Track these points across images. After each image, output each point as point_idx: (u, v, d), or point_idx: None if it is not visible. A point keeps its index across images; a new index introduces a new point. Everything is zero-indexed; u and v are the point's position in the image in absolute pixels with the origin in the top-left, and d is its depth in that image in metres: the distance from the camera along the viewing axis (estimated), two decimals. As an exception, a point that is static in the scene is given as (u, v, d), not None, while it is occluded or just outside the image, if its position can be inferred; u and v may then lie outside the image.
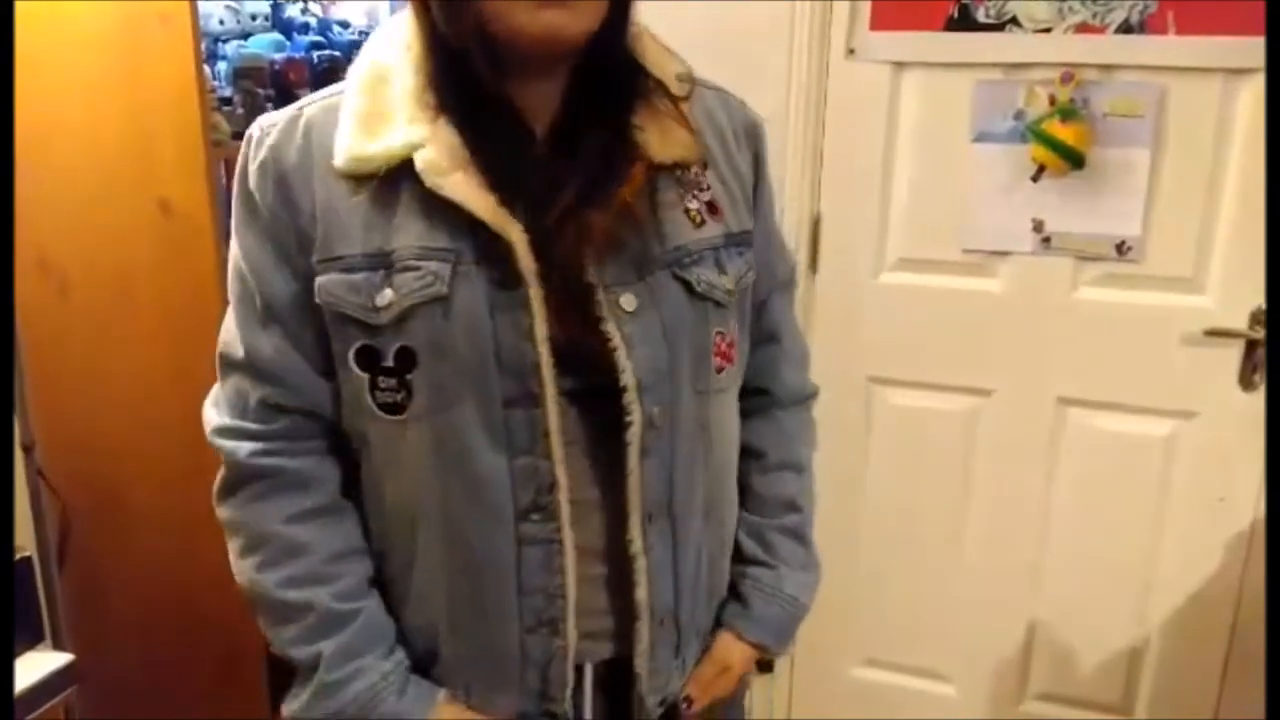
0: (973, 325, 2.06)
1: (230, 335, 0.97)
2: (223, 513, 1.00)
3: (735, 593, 1.11)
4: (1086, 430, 2.05)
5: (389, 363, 0.90)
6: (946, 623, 2.21)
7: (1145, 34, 1.83)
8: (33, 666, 1.48)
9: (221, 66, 1.80)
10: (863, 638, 2.23)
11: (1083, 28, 1.86)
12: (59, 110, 1.59)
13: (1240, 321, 1.90)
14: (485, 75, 0.87)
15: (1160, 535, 2.04)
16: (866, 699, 2.30)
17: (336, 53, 1.95)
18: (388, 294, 0.88)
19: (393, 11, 2.27)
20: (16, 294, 1.55)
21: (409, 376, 0.90)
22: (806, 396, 1.18)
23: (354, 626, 0.96)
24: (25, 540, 1.64)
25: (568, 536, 0.93)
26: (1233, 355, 1.92)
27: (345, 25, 2.14)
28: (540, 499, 0.92)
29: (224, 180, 1.86)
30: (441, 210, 0.88)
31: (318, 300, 0.91)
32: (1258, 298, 1.88)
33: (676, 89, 0.96)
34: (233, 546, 1.00)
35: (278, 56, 1.83)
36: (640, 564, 0.96)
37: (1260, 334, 1.88)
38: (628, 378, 0.90)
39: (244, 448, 0.96)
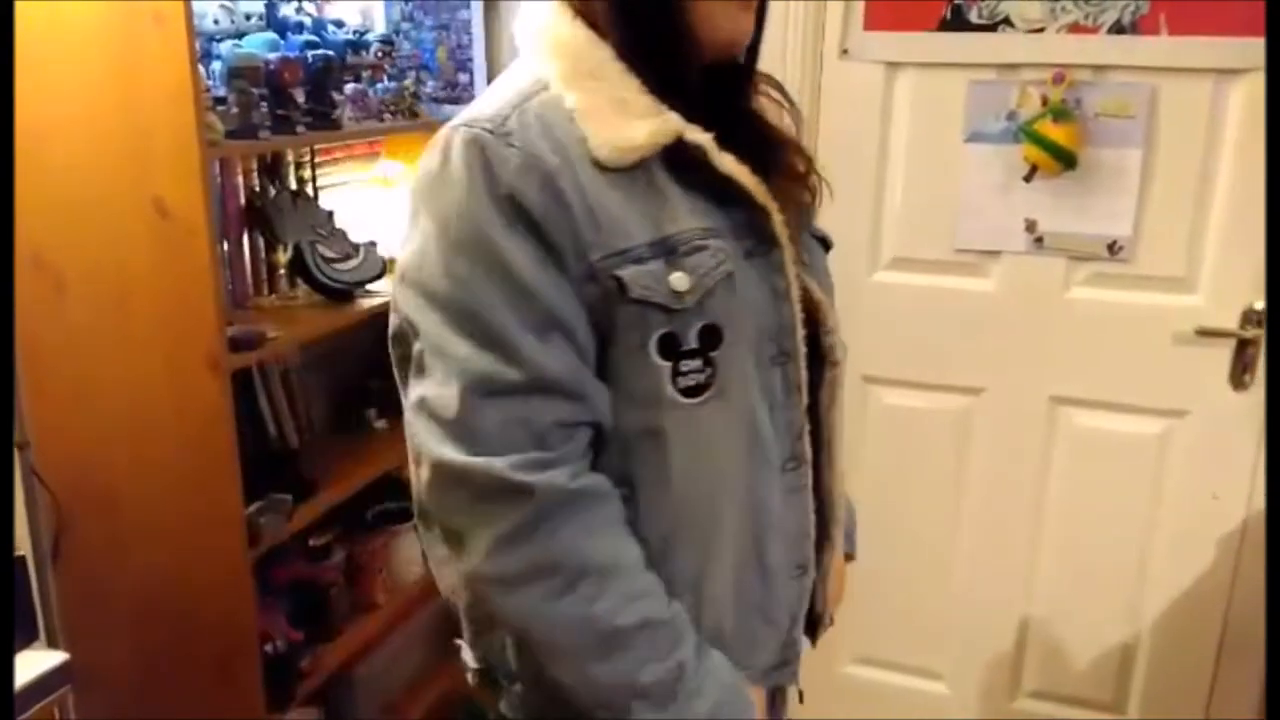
0: (966, 325, 2.07)
1: (493, 357, 0.86)
2: (523, 558, 0.88)
3: None
4: (1079, 429, 2.06)
5: (692, 345, 0.91)
6: (940, 621, 2.22)
7: (1137, 34, 1.84)
8: (27, 665, 1.48)
9: (216, 66, 1.79)
10: (856, 636, 2.24)
11: (1075, 28, 1.87)
12: (53, 109, 1.59)
13: (1231, 321, 1.91)
14: (694, 69, 0.94)
15: (1152, 534, 2.05)
16: (860, 697, 2.31)
17: (330, 52, 1.95)
18: (682, 278, 0.89)
19: (387, 11, 2.27)
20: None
21: (713, 354, 0.92)
22: None
23: (688, 628, 0.94)
24: (19, 539, 1.64)
25: (808, 478, 1.02)
26: (1224, 354, 1.93)
27: (340, 25, 2.13)
28: (795, 447, 0.99)
29: (219, 180, 1.86)
30: (699, 189, 0.92)
31: (633, 295, 0.89)
32: (1248, 297, 1.89)
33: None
34: (537, 592, 0.89)
35: (272, 56, 1.83)
36: (838, 491, 1.08)
37: (1251, 333, 1.89)
38: (833, 322, 1.02)
39: (556, 476, 0.87)
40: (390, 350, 0.98)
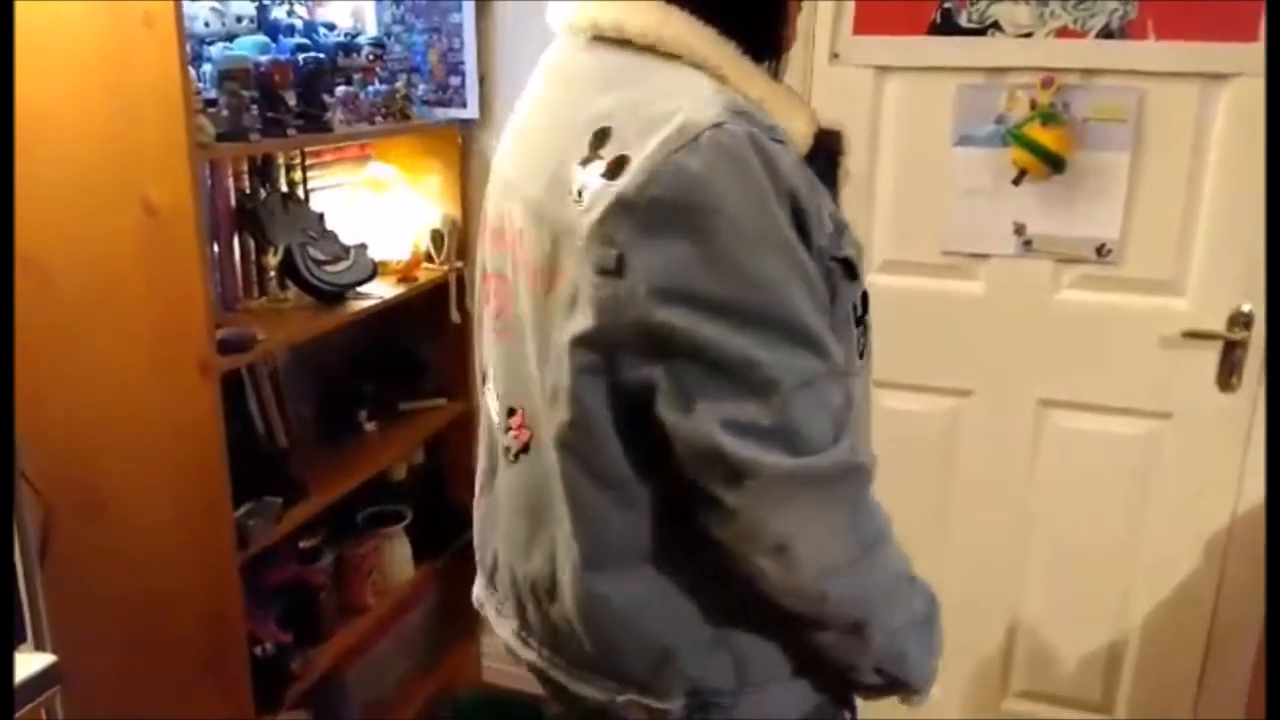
0: (954, 327, 2.08)
1: (804, 353, 0.86)
2: (860, 536, 0.92)
3: None
4: (1066, 431, 2.07)
5: (861, 312, 0.98)
6: (929, 622, 2.22)
7: (1125, 39, 1.85)
8: (15, 667, 1.47)
9: (207, 68, 1.79)
10: (846, 638, 2.24)
11: (1064, 32, 1.88)
12: (43, 110, 1.59)
13: (1218, 323, 1.92)
14: (782, 70, 1.02)
15: (1139, 535, 2.06)
16: (850, 699, 2.31)
17: (321, 55, 1.95)
18: (854, 254, 0.96)
19: (379, 14, 2.27)
20: (0, 295, 1.55)
21: (867, 318, 0.99)
22: None
23: None
24: (8, 541, 1.63)
25: None
26: (1210, 357, 1.94)
27: (331, 27, 2.13)
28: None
29: (209, 182, 1.86)
30: (817, 174, 0.96)
31: (858, 273, 0.96)
32: (1235, 300, 1.90)
33: None
34: (870, 564, 0.94)
35: (263, 59, 1.82)
36: None
37: (1238, 336, 1.90)
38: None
39: (861, 451, 0.90)
40: (568, 386, 0.92)
